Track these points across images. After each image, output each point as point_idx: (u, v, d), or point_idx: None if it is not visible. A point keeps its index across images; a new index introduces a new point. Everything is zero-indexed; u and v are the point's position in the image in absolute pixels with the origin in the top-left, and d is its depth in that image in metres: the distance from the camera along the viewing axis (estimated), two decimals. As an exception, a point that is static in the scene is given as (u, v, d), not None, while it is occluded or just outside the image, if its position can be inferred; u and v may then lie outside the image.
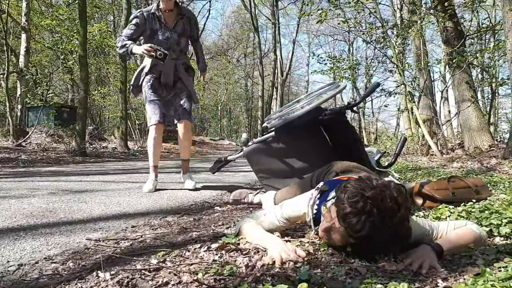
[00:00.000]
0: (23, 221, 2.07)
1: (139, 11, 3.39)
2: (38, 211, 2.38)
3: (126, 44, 3.31)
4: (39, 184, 3.82)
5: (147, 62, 3.48)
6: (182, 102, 3.48)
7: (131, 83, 3.56)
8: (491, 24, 10.56)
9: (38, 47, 15.79)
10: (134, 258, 1.38)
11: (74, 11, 12.84)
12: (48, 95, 12.00)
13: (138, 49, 3.23)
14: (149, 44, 3.17)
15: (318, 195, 1.59)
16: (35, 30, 14.58)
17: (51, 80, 13.29)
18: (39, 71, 15.83)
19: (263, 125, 2.98)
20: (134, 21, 3.36)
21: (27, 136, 10.46)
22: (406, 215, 1.27)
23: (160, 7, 3.38)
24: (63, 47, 12.50)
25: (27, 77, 12.22)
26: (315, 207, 1.57)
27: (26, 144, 10.11)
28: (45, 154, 8.64)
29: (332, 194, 1.44)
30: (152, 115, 3.40)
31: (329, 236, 1.39)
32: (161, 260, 1.35)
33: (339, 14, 9.02)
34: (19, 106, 12.13)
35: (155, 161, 3.53)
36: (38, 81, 13.24)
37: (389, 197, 1.23)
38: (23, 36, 12.53)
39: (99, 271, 1.24)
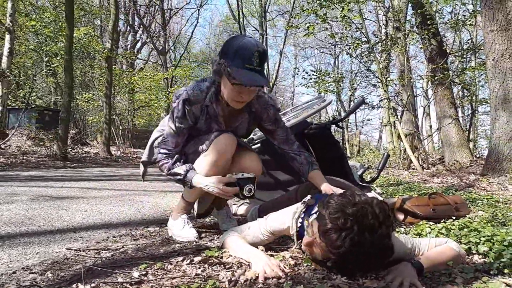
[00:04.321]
0: (0, 229, 2.02)
1: (186, 99, 1.88)
2: (16, 218, 2.32)
3: (173, 170, 1.90)
4: (18, 189, 3.73)
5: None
6: None
7: (142, 159, 2.21)
8: (472, 44, 10.87)
9: (21, 48, 15.50)
10: (116, 270, 1.36)
11: (61, 13, 12.70)
12: (30, 98, 11.78)
13: (205, 185, 1.82)
14: (223, 178, 1.81)
15: (304, 209, 1.60)
16: (20, 31, 14.33)
17: (34, 83, 13.07)
18: (22, 73, 15.53)
19: (249, 137, 2.98)
20: (178, 123, 1.91)
21: (7, 138, 10.22)
22: (387, 232, 1.28)
23: (219, 99, 1.94)
24: (48, 49, 12.32)
25: (9, 78, 11.99)
26: (300, 220, 1.58)
27: (5, 147, 9.88)
28: (25, 157, 8.45)
29: (316, 208, 1.46)
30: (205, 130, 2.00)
31: (311, 250, 1.40)
32: (143, 273, 1.34)
33: (326, 28, 9.13)
34: (0, 108, 11.87)
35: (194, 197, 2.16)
36: (20, 83, 13.00)
37: (371, 214, 1.25)
38: (7, 37, 12.29)
39: (79, 283, 1.22)
